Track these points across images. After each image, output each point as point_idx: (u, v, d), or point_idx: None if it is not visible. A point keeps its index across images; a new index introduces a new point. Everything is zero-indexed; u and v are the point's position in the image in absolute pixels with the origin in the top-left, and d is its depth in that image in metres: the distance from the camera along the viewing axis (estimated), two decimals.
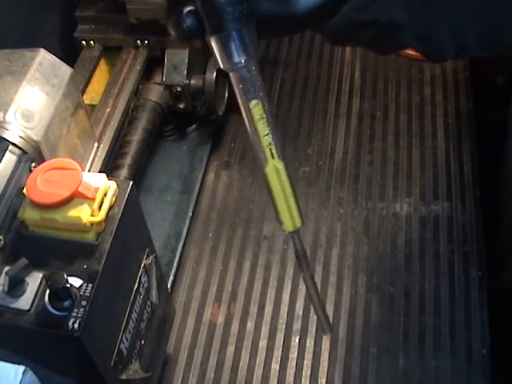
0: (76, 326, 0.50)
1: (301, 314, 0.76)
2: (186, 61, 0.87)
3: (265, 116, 0.43)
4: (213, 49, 0.43)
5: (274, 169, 0.44)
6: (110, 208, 0.55)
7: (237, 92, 0.44)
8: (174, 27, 0.43)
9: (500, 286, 0.77)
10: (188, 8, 0.42)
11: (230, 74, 0.43)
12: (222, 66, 0.43)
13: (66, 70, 0.68)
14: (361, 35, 0.59)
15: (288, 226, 0.46)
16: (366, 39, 0.61)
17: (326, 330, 0.54)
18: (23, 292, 0.51)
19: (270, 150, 0.44)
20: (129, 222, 0.57)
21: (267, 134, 0.43)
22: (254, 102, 0.43)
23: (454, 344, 0.73)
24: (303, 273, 0.49)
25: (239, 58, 0.42)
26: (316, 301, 0.51)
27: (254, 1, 0.42)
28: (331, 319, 0.76)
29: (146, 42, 0.88)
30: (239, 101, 0.44)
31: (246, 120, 0.44)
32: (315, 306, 0.51)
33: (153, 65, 0.89)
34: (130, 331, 0.60)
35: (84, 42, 0.90)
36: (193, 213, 0.86)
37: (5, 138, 0.60)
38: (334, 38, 0.58)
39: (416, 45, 0.62)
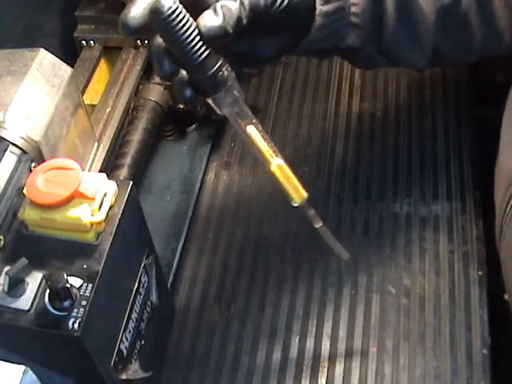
0: (76, 325, 0.50)
1: (301, 313, 0.76)
2: None
3: (259, 133, 0.56)
4: (211, 103, 0.55)
5: (278, 166, 0.57)
6: (110, 208, 0.55)
7: (234, 124, 0.56)
8: (178, 95, 0.56)
9: (500, 286, 0.77)
10: (184, 81, 0.54)
11: (228, 115, 0.55)
12: (219, 113, 0.55)
13: (66, 70, 0.68)
14: (328, 55, 0.70)
15: (299, 199, 0.59)
16: (338, 56, 0.67)
17: (344, 255, 0.66)
18: (23, 292, 0.51)
19: (269, 153, 0.56)
20: (129, 222, 0.57)
21: (264, 144, 0.56)
22: (249, 127, 0.56)
23: (454, 344, 0.73)
24: (319, 225, 0.62)
25: (234, 105, 0.54)
26: (331, 239, 0.64)
27: (232, 60, 0.54)
28: (331, 319, 0.76)
29: (145, 41, 0.88)
30: (238, 129, 0.56)
31: (245, 140, 0.56)
32: (331, 242, 0.64)
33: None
34: (130, 331, 0.60)
35: (84, 42, 0.90)
36: (193, 213, 0.86)
37: (5, 138, 0.60)
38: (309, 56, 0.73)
39: (385, 62, 0.65)
